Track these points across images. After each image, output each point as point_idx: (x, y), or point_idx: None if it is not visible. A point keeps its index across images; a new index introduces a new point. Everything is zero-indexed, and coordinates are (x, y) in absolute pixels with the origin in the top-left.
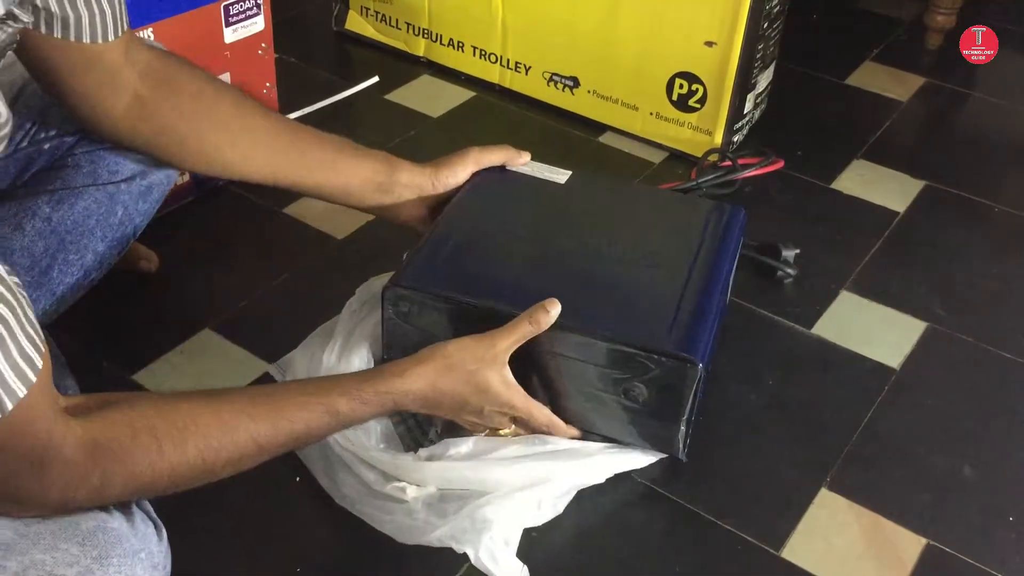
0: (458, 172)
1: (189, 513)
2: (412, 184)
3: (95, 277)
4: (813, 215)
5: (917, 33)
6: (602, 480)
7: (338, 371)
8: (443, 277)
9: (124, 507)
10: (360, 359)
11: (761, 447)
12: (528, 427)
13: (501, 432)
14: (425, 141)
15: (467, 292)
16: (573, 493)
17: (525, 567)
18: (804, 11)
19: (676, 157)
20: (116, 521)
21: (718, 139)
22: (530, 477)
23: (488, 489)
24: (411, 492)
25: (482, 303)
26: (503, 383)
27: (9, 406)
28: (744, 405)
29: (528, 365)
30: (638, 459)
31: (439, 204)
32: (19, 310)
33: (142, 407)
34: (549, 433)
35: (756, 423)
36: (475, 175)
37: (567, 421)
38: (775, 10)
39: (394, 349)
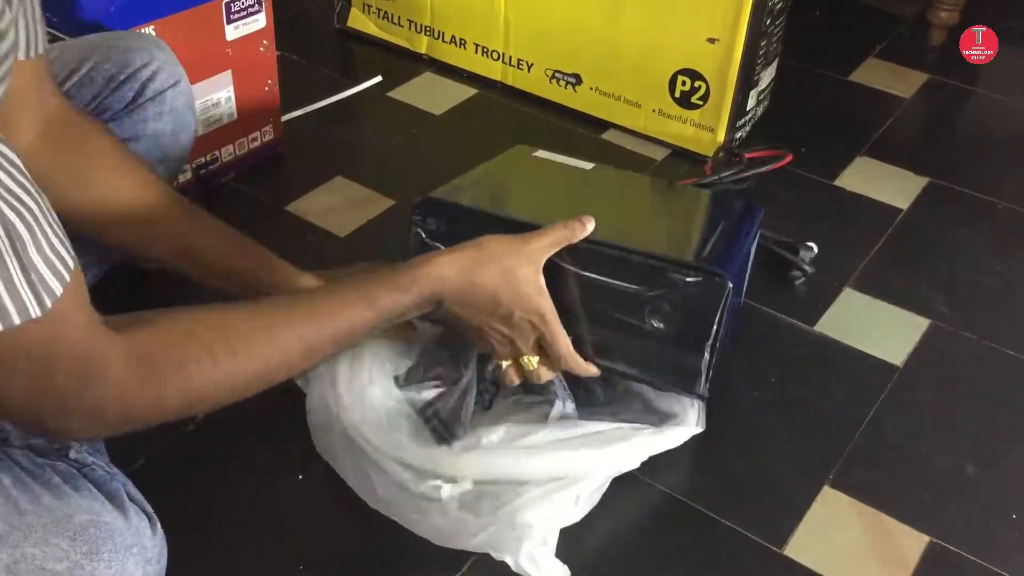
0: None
1: (188, 509)
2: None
3: (97, 273)
4: (816, 212)
5: (920, 29)
6: (636, 465)
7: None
8: (472, 197)
9: (117, 500)
10: (372, 356)
11: (764, 445)
12: (551, 353)
13: (524, 361)
14: (427, 139)
15: (497, 207)
16: (607, 484)
17: (566, 567)
18: (807, 7)
19: (679, 154)
20: (110, 515)
21: (721, 136)
22: (565, 466)
23: (525, 478)
24: (446, 491)
25: (512, 217)
26: (536, 286)
27: (48, 302)
28: (747, 403)
29: (553, 289)
30: (670, 438)
31: None
32: (44, 208)
33: (185, 320)
34: (566, 369)
35: (759, 421)
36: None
37: (587, 358)
38: (778, 6)
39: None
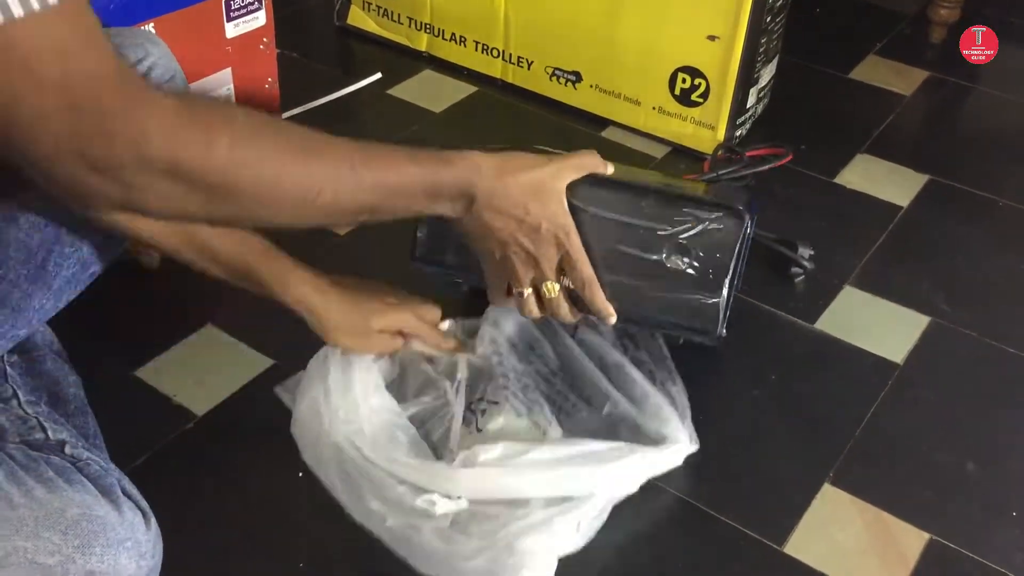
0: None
1: (187, 507)
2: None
3: (94, 271)
4: (816, 210)
5: (920, 27)
6: (635, 489)
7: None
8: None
9: (111, 495)
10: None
11: (764, 442)
12: (574, 277)
13: (547, 288)
14: (427, 136)
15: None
16: (608, 510)
17: None
18: (807, 5)
19: (679, 152)
20: (103, 509)
21: (721, 134)
22: (567, 484)
23: (524, 496)
24: (441, 506)
25: None
26: (562, 202)
27: None
28: (747, 400)
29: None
30: (669, 457)
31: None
32: None
33: (234, 106)
34: (588, 299)
35: (759, 418)
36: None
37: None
38: (778, 4)
39: (430, 247)
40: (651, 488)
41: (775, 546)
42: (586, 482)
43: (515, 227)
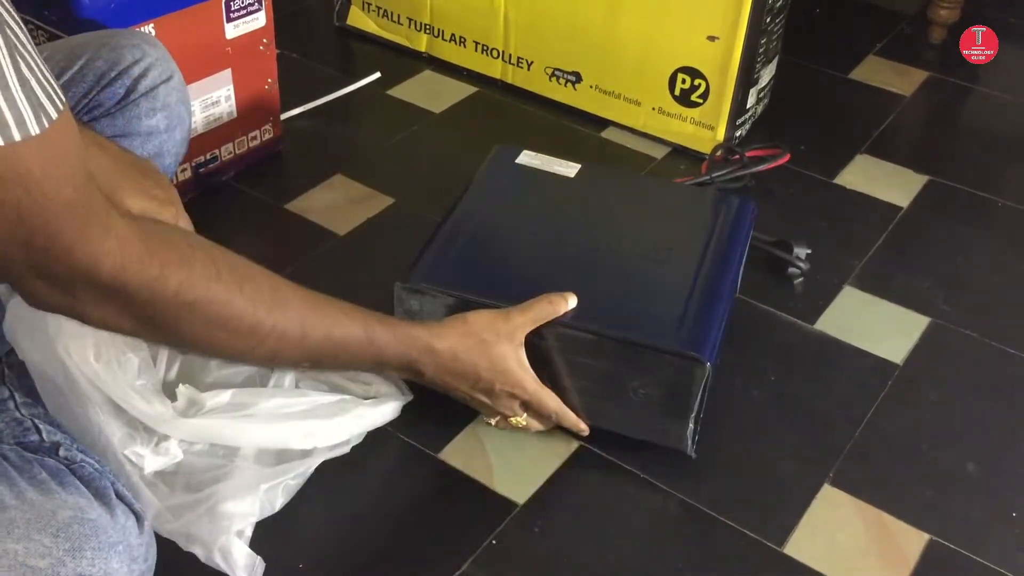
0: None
1: None
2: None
3: None
4: (816, 210)
5: (920, 27)
6: (347, 446)
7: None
8: (453, 275)
9: (104, 497)
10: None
11: (764, 442)
12: (539, 414)
13: (513, 421)
14: (427, 137)
15: (477, 290)
16: (310, 473)
17: (260, 559)
18: (807, 5)
19: (679, 152)
20: (95, 512)
21: (721, 134)
22: (281, 440)
23: (240, 445)
24: (149, 465)
25: (492, 301)
26: (517, 361)
27: (46, 121)
28: (747, 400)
29: (538, 362)
30: (387, 411)
31: None
32: (30, 39)
33: (199, 238)
34: (558, 422)
35: (759, 418)
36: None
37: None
38: (778, 4)
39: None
40: (650, 488)
41: (775, 547)
42: (302, 437)
43: (469, 388)
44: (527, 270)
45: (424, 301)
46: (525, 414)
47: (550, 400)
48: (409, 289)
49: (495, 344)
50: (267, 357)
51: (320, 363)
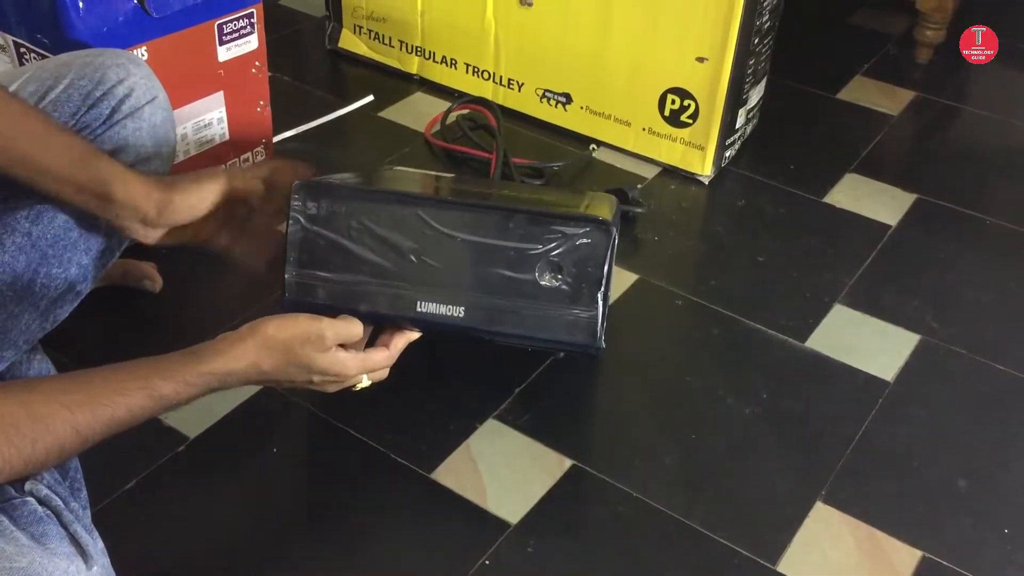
0: (243, 169)
1: (176, 527)
2: (140, 179)
3: (82, 289)
4: (806, 229)
5: (907, 48)
6: None
7: None
8: (351, 180)
9: (44, 539)
10: None
11: (756, 460)
12: (373, 377)
13: (356, 387)
14: (418, 158)
15: (377, 185)
16: None
17: None
18: (794, 27)
19: (669, 172)
20: (24, 559)
21: (710, 154)
22: None
23: None
24: None
25: (393, 191)
26: (331, 361)
27: None
28: (738, 418)
29: (443, 260)
30: None
31: (223, 202)
32: None
33: None
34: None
35: (750, 436)
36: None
37: (482, 322)
38: (766, 26)
39: (299, 263)
40: (642, 507)
41: (768, 564)
42: None
43: (289, 384)
44: (419, 187)
45: (323, 203)
46: (363, 376)
47: (380, 359)
48: (308, 186)
49: (302, 353)
50: (61, 462)
51: (120, 432)
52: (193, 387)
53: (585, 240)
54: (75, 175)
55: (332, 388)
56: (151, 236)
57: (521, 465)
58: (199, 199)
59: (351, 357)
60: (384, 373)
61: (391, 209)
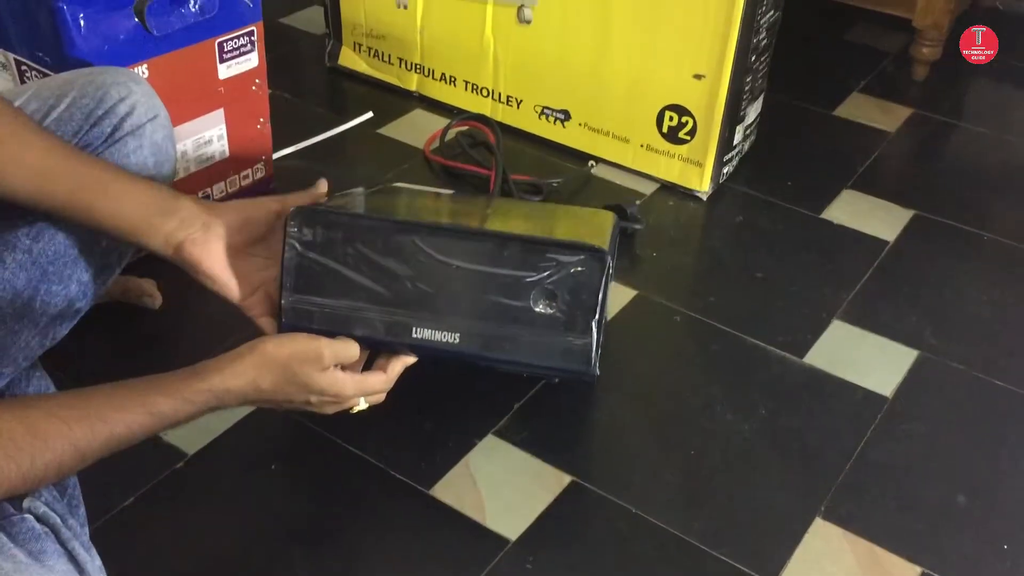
0: (259, 202)
1: (176, 545)
2: (198, 207)
3: (82, 307)
4: (804, 245)
5: (903, 65)
6: None
7: None
8: (349, 206)
9: (42, 556)
10: None
11: (755, 476)
12: (371, 400)
13: (353, 410)
14: (418, 174)
15: (375, 213)
16: None
17: None
18: (792, 44)
19: (667, 188)
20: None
21: (708, 170)
22: None
23: None
24: None
25: (392, 218)
26: (329, 381)
27: None
28: (737, 434)
29: (439, 287)
30: None
31: (239, 245)
32: None
33: None
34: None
35: (749, 452)
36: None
37: (477, 348)
38: (763, 43)
39: (295, 289)
40: (641, 523)
41: None
42: None
43: (288, 405)
44: (420, 210)
45: (319, 229)
46: (360, 398)
47: (377, 383)
48: (305, 213)
49: (301, 372)
50: (59, 479)
51: (119, 450)
52: (192, 404)
53: (579, 268)
54: (149, 208)
55: (330, 410)
56: (211, 242)
57: (520, 481)
58: (251, 202)
59: (349, 378)
60: (381, 397)
61: (387, 236)
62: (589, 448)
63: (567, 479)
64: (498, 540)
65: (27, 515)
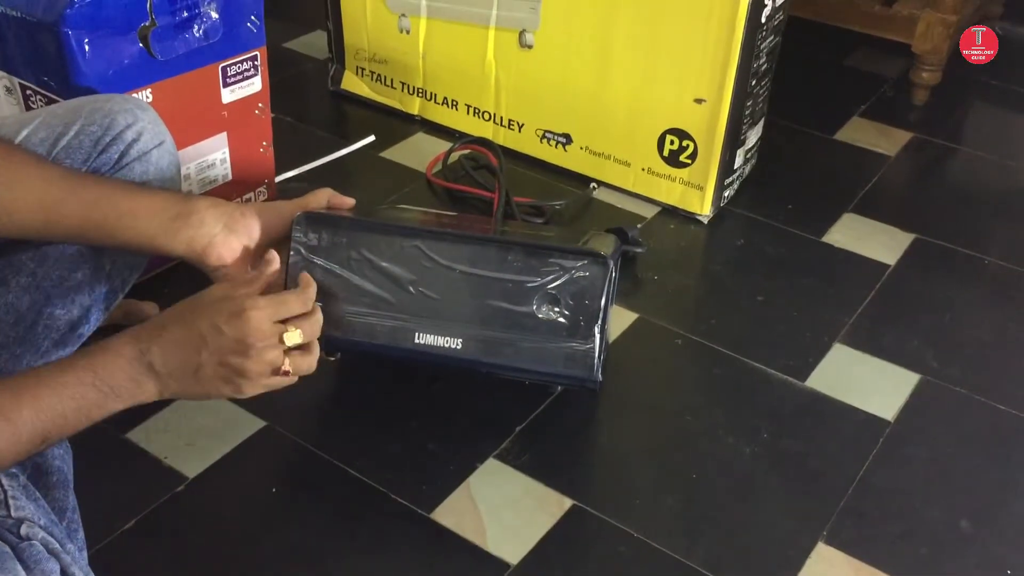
0: (277, 206)
1: (176, 569)
2: (217, 211)
3: (84, 332)
4: (805, 268)
5: (903, 89)
6: None
7: None
8: (353, 214)
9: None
10: None
11: (757, 501)
12: (309, 325)
13: (288, 343)
14: (420, 197)
15: (377, 218)
16: None
17: None
18: (792, 68)
19: (668, 212)
20: None
21: (709, 194)
22: None
23: None
24: None
25: (392, 224)
26: (240, 305)
27: None
28: (739, 458)
29: (442, 292)
30: None
31: (257, 248)
32: None
33: None
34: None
35: (751, 476)
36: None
37: (480, 354)
38: (763, 68)
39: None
40: (643, 548)
41: None
42: None
43: (208, 354)
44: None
45: (324, 233)
46: (284, 358)
47: (294, 300)
48: (310, 218)
49: (204, 294)
50: (21, 459)
51: (54, 435)
52: (120, 356)
53: (582, 273)
54: (163, 214)
55: (255, 361)
56: (233, 244)
57: (521, 505)
58: (271, 205)
59: (262, 299)
60: (316, 330)
61: (391, 241)
62: (590, 472)
63: (568, 503)
64: (499, 565)
65: (35, 541)
